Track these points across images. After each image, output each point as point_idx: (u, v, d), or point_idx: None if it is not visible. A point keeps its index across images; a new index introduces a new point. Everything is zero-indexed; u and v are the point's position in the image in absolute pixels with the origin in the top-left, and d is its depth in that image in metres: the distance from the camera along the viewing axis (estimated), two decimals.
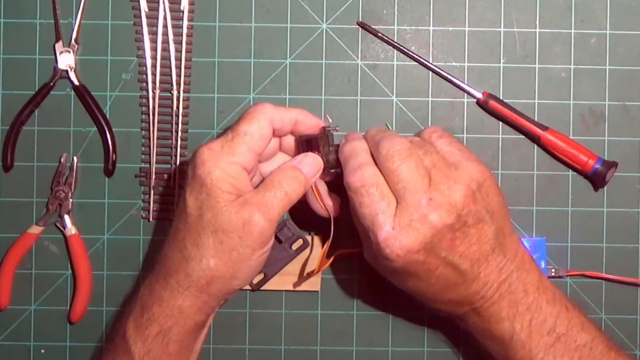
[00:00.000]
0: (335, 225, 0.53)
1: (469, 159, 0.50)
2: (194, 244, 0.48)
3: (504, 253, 0.50)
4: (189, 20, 0.60)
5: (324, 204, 0.53)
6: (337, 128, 0.54)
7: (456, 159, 0.50)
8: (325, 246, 0.54)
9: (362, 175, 0.48)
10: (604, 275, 0.60)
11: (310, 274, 0.56)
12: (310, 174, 0.51)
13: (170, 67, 0.60)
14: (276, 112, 0.50)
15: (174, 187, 0.60)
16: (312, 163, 0.52)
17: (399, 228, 0.47)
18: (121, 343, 0.50)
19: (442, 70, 0.60)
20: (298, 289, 0.59)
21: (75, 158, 0.60)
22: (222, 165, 0.48)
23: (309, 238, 0.59)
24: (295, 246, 0.59)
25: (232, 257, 0.48)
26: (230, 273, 0.49)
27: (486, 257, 0.49)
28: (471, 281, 0.49)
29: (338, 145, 0.53)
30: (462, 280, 0.49)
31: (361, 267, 0.60)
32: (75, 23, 0.60)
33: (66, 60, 0.60)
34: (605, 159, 0.60)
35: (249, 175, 0.50)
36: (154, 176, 0.60)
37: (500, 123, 0.60)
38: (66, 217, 0.60)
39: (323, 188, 0.54)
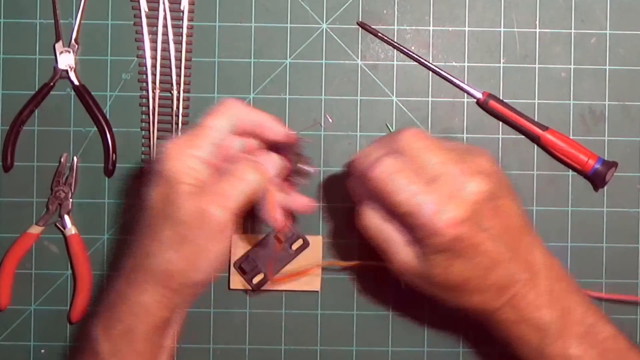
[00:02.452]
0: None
1: (472, 147, 0.52)
2: (154, 239, 0.48)
3: (531, 233, 0.50)
4: (189, 20, 0.60)
5: (272, 212, 0.52)
6: (309, 140, 0.55)
7: (466, 149, 0.51)
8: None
9: (383, 167, 0.48)
10: (603, 295, 0.59)
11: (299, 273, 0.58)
12: (269, 167, 0.51)
13: (170, 67, 0.60)
14: (243, 110, 0.51)
15: None
16: (272, 159, 0.52)
17: (440, 203, 0.47)
18: (87, 344, 0.50)
19: (442, 70, 0.60)
20: (298, 289, 0.59)
21: (75, 158, 0.60)
22: (183, 159, 0.48)
23: (309, 238, 0.59)
24: (295, 246, 0.59)
25: (190, 249, 0.48)
26: (190, 266, 0.48)
27: (519, 233, 0.49)
28: (510, 259, 0.48)
29: (307, 157, 0.54)
30: (502, 257, 0.48)
31: (361, 267, 0.60)
32: (75, 23, 0.60)
33: (66, 60, 0.60)
34: (605, 159, 0.60)
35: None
36: None
37: (500, 123, 0.60)
38: (66, 217, 0.60)
39: (278, 199, 0.53)
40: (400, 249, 0.50)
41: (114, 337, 0.49)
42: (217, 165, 0.50)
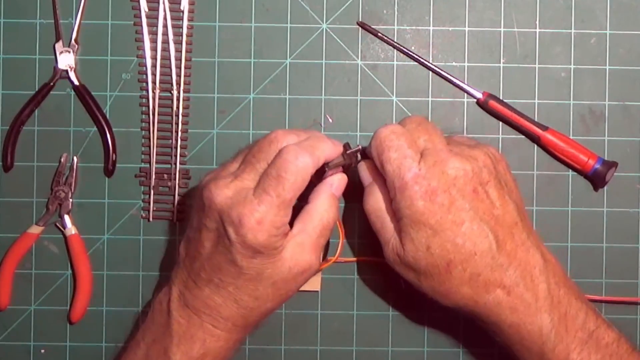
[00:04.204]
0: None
1: (482, 143, 0.53)
2: (252, 296, 0.50)
3: (528, 233, 0.50)
4: (189, 20, 0.60)
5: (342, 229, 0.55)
6: (359, 146, 0.53)
7: (472, 144, 0.53)
8: (334, 258, 0.55)
9: (392, 126, 0.51)
10: (602, 298, 0.59)
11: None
12: (340, 193, 0.53)
13: (170, 67, 0.60)
14: (315, 163, 0.50)
15: (174, 187, 0.60)
16: (341, 184, 0.53)
17: (424, 170, 0.49)
18: None
19: (442, 70, 0.60)
20: None
21: (75, 158, 0.60)
22: (273, 233, 0.48)
23: None
24: None
25: (287, 296, 0.52)
26: (280, 305, 0.52)
27: (510, 228, 0.50)
28: (497, 249, 0.49)
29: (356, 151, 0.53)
30: (488, 244, 0.48)
31: (361, 267, 0.60)
32: (75, 23, 0.60)
33: (66, 60, 0.60)
34: (605, 159, 0.60)
35: None
36: (154, 176, 0.60)
37: (500, 123, 0.60)
38: (66, 217, 0.60)
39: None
40: (391, 237, 0.51)
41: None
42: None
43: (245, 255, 0.48)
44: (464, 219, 0.48)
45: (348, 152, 0.53)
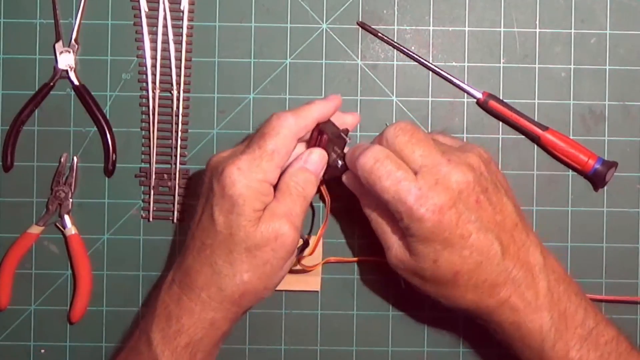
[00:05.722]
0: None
1: (469, 144, 0.53)
2: (226, 261, 0.49)
3: (527, 232, 0.50)
4: (189, 20, 0.60)
5: (328, 196, 0.55)
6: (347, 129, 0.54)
7: (459, 144, 0.53)
8: (320, 231, 0.56)
9: (373, 153, 0.49)
10: (602, 297, 0.60)
11: (306, 269, 0.58)
12: (317, 170, 0.52)
13: (170, 67, 0.60)
14: (300, 122, 0.50)
15: (174, 187, 0.60)
16: (318, 160, 0.52)
17: (426, 189, 0.48)
18: (146, 351, 0.50)
19: (442, 70, 0.60)
20: (298, 289, 0.59)
21: (75, 158, 0.60)
22: (252, 185, 0.48)
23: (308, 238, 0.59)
24: None
25: (265, 270, 0.50)
26: (263, 285, 0.50)
27: (511, 231, 0.50)
28: (502, 255, 0.49)
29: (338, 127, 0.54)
30: (494, 252, 0.48)
31: (361, 267, 0.60)
32: (75, 23, 0.60)
33: (66, 60, 0.60)
34: (605, 159, 0.60)
35: None
36: (154, 176, 0.60)
37: (500, 123, 0.60)
38: (66, 217, 0.60)
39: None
40: (394, 243, 0.51)
41: (176, 348, 0.50)
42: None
43: (222, 207, 0.48)
44: (471, 231, 0.48)
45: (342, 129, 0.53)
